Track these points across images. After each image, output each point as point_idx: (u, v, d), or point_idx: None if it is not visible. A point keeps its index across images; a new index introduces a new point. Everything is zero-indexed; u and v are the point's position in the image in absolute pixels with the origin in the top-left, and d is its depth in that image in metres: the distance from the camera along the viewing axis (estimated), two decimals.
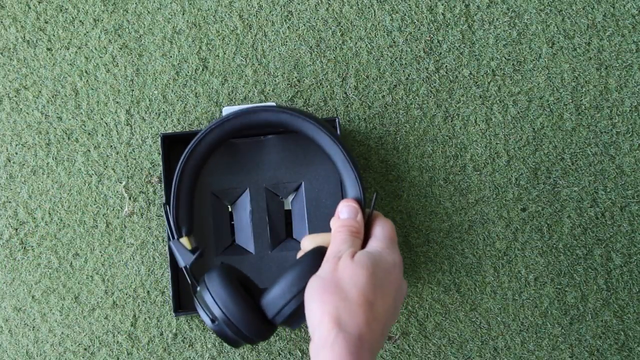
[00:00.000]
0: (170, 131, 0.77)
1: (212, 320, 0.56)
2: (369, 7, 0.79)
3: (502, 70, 0.78)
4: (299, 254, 0.60)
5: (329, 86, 0.77)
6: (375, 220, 0.57)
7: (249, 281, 0.61)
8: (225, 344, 0.73)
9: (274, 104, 0.74)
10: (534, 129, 0.77)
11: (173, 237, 0.64)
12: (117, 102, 0.78)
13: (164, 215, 0.64)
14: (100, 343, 0.74)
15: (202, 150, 0.64)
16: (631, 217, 0.75)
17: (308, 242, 0.59)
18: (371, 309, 0.48)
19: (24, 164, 0.77)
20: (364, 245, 0.56)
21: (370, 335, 0.47)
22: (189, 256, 0.63)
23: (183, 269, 0.63)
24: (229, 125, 0.63)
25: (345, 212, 0.57)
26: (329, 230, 0.72)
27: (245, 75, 0.78)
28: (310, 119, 0.61)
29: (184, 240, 0.64)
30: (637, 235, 0.75)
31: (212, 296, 0.56)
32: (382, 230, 0.56)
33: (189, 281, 0.62)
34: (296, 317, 0.55)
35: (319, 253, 0.56)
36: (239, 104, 0.77)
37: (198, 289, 0.59)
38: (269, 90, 0.78)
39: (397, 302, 0.52)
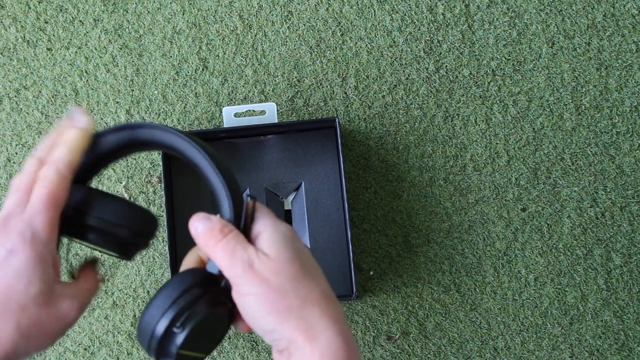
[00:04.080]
0: None
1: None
2: (369, 7, 0.79)
3: (502, 70, 0.78)
4: None
5: (329, 86, 0.77)
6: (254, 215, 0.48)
7: None
8: (221, 345, 0.73)
9: (273, 104, 0.74)
10: (534, 129, 0.77)
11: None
12: (117, 102, 0.78)
13: None
14: (100, 343, 0.74)
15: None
16: (631, 217, 0.75)
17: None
18: (318, 290, 0.44)
19: (24, 164, 0.77)
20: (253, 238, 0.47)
21: (334, 309, 0.44)
22: None
23: None
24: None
25: (199, 224, 0.46)
26: (329, 229, 0.73)
27: (245, 75, 0.78)
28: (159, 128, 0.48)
29: None
30: (637, 235, 0.75)
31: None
32: (260, 211, 0.47)
33: None
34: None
35: (185, 274, 0.46)
36: (238, 104, 0.77)
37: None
38: (269, 90, 0.78)
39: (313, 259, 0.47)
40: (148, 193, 0.76)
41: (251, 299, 0.43)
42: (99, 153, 0.48)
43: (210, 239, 0.45)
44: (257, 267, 0.43)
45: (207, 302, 0.44)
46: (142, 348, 0.45)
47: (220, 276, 0.46)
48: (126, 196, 0.76)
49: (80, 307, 0.44)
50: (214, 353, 0.73)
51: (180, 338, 0.43)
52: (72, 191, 0.45)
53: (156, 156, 0.76)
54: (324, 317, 0.43)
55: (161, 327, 0.43)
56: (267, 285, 0.43)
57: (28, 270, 0.41)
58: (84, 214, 0.45)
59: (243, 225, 0.46)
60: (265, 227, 0.46)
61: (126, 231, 0.46)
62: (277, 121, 0.74)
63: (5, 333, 0.41)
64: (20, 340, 0.41)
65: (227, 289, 0.45)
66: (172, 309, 0.43)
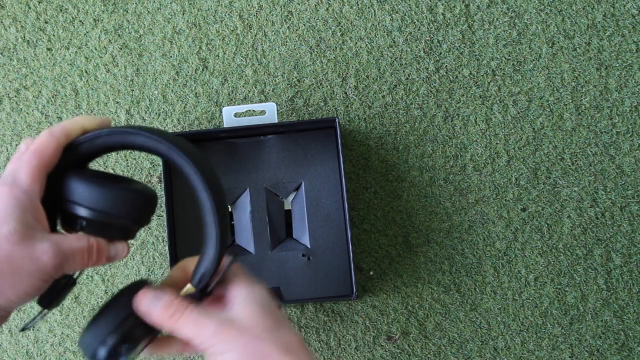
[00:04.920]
0: (170, 131, 0.77)
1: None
2: (369, 7, 0.79)
3: (502, 70, 0.78)
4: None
5: (329, 86, 0.77)
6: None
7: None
8: None
9: (273, 104, 0.74)
10: (534, 129, 0.77)
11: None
12: (117, 102, 0.78)
13: None
14: None
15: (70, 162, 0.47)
16: (631, 217, 0.75)
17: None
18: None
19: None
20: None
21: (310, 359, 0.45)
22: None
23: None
24: (99, 141, 0.46)
25: (151, 308, 0.45)
26: (328, 229, 0.73)
27: (245, 75, 0.78)
28: (185, 158, 0.46)
29: None
30: (637, 235, 0.75)
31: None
32: (236, 275, 0.47)
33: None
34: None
35: (129, 290, 0.46)
36: (238, 104, 0.77)
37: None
38: (269, 90, 0.78)
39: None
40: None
41: (230, 355, 0.43)
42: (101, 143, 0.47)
43: (171, 317, 0.44)
44: (230, 324, 0.43)
45: (144, 332, 0.45)
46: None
47: None
48: None
49: (56, 254, 0.43)
50: None
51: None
52: (67, 178, 0.45)
53: (156, 156, 0.76)
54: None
55: (103, 353, 0.44)
56: (247, 336, 0.43)
57: (3, 212, 0.42)
58: (75, 204, 0.45)
59: (209, 284, 0.46)
60: (240, 289, 0.46)
61: (121, 220, 0.45)
62: (277, 121, 0.74)
63: None
64: None
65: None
66: (113, 338, 0.44)
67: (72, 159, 0.45)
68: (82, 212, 0.44)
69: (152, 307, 0.45)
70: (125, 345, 0.44)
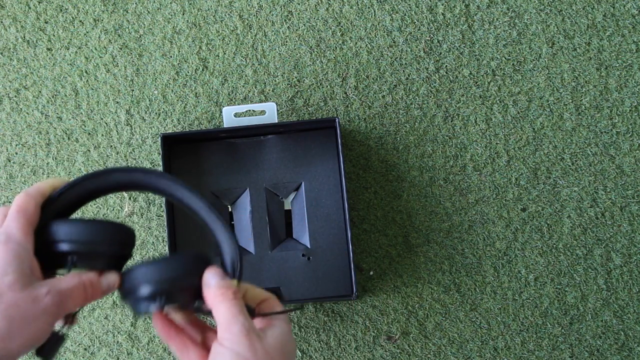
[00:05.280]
0: (170, 131, 0.77)
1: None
2: (369, 7, 0.79)
3: (502, 70, 0.78)
4: None
5: (329, 86, 0.78)
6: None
7: None
8: None
9: (273, 104, 0.74)
10: (534, 129, 0.77)
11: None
12: (117, 102, 0.78)
13: None
14: (100, 343, 0.74)
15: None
16: (631, 217, 0.75)
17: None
18: None
19: (24, 164, 0.77)
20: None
21: None
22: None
23: None
24: (76, 190, 0.51)
25: (215, 279, 0.49)
26: (329, 229, 0.73)
27: (245, 75, 0.78)
28: (164, 177, 0.52)
29: None
30: (637, 235, 0.75)
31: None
32: (279, 309, 0.52)
33: None
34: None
35: (192, 256, 0.49)
36: (238, 104, 0.77)
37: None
38: (269, 90, 0.78)
39: None
40: (148, 193, 0.76)
41: (228, 355, 0.45)
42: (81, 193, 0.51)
43: (221, 295, 0.48)
44: (253, 336, 0.46)
45: (192, 294, 0.48)
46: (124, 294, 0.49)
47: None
48: (126, 196, 0.76)
49: (55, 294, 0.46)
50: None
51: (154, 307, 0.47)
52: (50, 226, 0.48)
53: (156, 156, 0.76)
54: None
55: (146, 291, 0.47)
56: (253, 354, 0.46)
57: (3, 264, 0.45)
58: (59, 243, 0.48)
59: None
60: (281, 323, 0.50)
61: (105, 247, 0.49)
62: (277, 121, 0.74)
63: None
64: (3, 323, 0.44)
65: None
66: (165, 283, 0.47)
67: (51, 214, 0.50)
68: (70, 247, 0.48)
69: (214, 280, 0.48)
70: (166, 296, 0.47)
